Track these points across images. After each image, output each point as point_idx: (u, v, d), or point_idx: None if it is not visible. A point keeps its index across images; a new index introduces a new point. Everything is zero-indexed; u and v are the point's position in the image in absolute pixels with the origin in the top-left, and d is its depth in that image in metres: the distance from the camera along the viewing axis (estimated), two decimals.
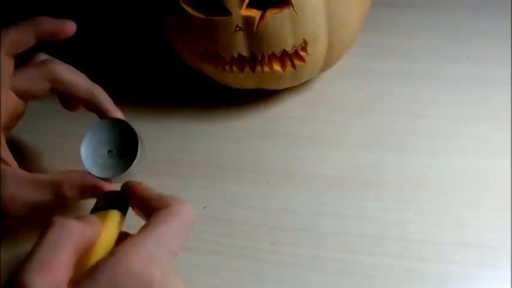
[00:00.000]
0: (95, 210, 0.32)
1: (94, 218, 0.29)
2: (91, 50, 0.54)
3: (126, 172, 0.36)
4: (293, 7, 0.40)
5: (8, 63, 0.37)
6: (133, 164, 0.36)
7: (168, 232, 0.28)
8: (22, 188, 0.34)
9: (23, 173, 0.35)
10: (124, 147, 0.37)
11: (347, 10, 0.42)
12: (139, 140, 0.36)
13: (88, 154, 0.37)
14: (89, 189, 0.35)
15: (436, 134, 0.47)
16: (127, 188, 0.33)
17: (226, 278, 0.37)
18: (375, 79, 0.51)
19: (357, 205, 0.41)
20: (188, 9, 0.41)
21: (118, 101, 0.48)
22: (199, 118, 0.48)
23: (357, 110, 0.49)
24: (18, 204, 0.34)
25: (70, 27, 0.39)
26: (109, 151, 0.37)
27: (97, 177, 0.36)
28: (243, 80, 0.45)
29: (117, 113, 0.39)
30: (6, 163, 0.35)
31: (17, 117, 0.38)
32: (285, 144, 0.46)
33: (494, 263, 0.38)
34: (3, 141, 0.36)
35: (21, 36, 0.37)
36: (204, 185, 0.43)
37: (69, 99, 0.40)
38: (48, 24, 0.38)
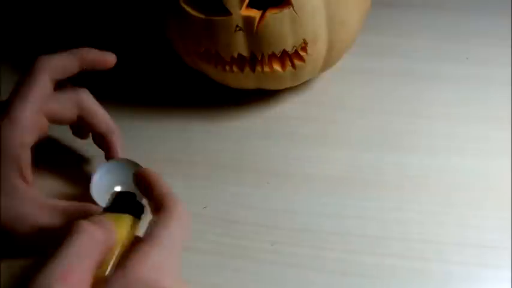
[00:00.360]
0: (109, 209, 0.32)
1: (111, 224, 0.30)
2: None
3: None
4: (293, 7, 0.40)
5: (49, 86, 0.38)
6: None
7: (171, 237, 0.29)
8: (37, 210, 0.35)
9: (40, 196, 0.36)
10: (132, 183, 0.39)
11: (347, 10, 0.42)
12: None
13: (99, 190, 0.39)
14: None
15: (436, 134, 0.47)
16: (140, 174, 0.34)
17: (227, 278, 0.37)
18: (375, 79, 0.51)
19: (358, 205, 0.41)
20: (188, 9, 0.41)
21: (119, 101, 0.48)
22: (200, 118, 0.48)
23: (357, 110, 0.49)
24: (27, 225, 0.35)
25: (111, 60, 0.41)
26: (118, 187, 0.39)
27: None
28: (243, 80, 0.45)
29: (116, 152, 0.41)
30: (27, 182, 0.36)
31: (40, 139, 0.39)
32: (285, 144, 0.46)
33: (495, 263, 0.38)
34: (29, 160, 0.37)
35: (67, 64, 0.39)
36: (204, 185, 0.43)
37: (86, 130, 0.42)
38: (93, 55, 0.40)
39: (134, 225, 0.32)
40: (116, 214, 0.32)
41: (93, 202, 0.38)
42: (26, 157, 0.37)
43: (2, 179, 0.35)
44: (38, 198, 0.36)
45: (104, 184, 0.39)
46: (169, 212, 0.30)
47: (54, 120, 0.39)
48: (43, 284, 0.24)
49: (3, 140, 0.36)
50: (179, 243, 0.29)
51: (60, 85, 0.40)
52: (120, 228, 0.31)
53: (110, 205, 0.33)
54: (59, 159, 0.44)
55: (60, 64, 0.39)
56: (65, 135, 0.44)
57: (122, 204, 0.33)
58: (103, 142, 0.41)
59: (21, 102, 0.37)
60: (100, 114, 0.40)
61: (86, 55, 0.40)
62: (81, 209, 0.36)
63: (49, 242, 0.35)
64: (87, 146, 0.44)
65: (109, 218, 0.30)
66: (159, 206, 0.31)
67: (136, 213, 0.33)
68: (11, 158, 0.36)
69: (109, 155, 0.41)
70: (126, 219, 0.32)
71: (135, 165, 0.40)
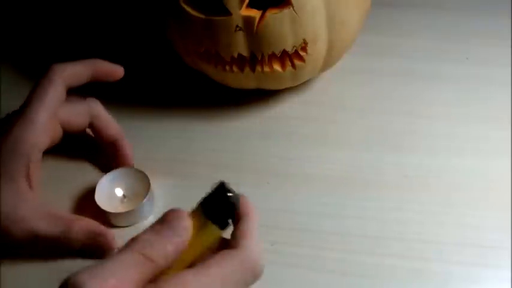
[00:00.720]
0: (204, 204, 0.29)
1: (188, 226, 0.27)
2: (93, 50, 0.54)
3: (135, 211, 0.39)
4: (293, 7, 0.40)
5: (63, 92, 0.39)
6: (142, 205, 0.39)
7: (221, 279, 0.26)
8: (36, 216, 0.35)
9: (40, 202, 0.36)
10: (136, 192, 0.40)
11: (347, 10, 0.42)
12: (151, 187, 0.40)
13: (102, 195, 0.39)
14: (95, 236, 0.36)
15: (436, 134, 0.47)
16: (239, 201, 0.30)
17: None
18: (375, 79, 0.51)
19: (357, 205, 0.41)
20: (188, 9, 0.41)
21: (119, 101, 0.48)
22: (200, 118, 0.48)
23: (357, 110, 0.49)
24: (24, 229, 0.35)
25: (120, 73, 0.42)
26: (120, 189, 0.40)
27: (109, 213, 0.39)
28: (243, 80, 0.45)
29: (132, 160, 0.42)
30: (31, 185, 0.37)
31: (51, 145, 0.40)
32: (285, 144, 0.46)
33: (494, 263, 0.38)
34: (39, 162, 0.38)
35: (80, 72, 0.40)
36: (204, 185, 0.43)
37: (98, 137, 0.43)
38: (105, 67, 0.42)
39: (218, 233, 0.29)
40: (204, 220, 0.28)
41: (97, 206, 0.39)
42: (36, 159, 0.37)
43: (9, 177, 0.36)
44: (39, 204, 0.36)
45: (108, 190, 0.40)
46: (235, 252, 0.27)
47: (68, 128, 0.40)
48: (78, 281, 0.23)
49: (16, 139, 0.36)
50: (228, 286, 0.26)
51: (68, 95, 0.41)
52: (202, 236, 0.28)
53: (206, 201, 0.29)
54: (67, 165, 0.44)
55: (73, 72, 0.40)
56: (72, 141, 0.44)
57: (217, 204, 0.29)
58: (114, 150, 0.42)
59: (37, 104, 0.38)
60: (111, 122, 0.42)
61: (98, 66, 0.41)
62: (87, 227, 0.36)
63: (44, 251, 0.35)
64: (94, 153, 0.44)
65: (195, 221, 0.28)
66: (234, 242, 0.28)
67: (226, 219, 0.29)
68: (20, 157, 0.36)
69: (122, 160, 0.42)
70: (211, 230, 0.28)
71: (141, 173, 0.40)
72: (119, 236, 0.39)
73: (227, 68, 0.44)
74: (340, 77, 0.51)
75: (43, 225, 0.35)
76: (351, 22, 0.43)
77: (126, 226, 0.40)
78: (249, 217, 0.29)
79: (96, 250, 0.36)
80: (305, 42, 0.42)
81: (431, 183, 0.43)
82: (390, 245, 0.39)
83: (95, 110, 0.41)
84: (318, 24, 0.41)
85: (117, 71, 0.42)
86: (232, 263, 0.27)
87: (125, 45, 0.55)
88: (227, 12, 0.40)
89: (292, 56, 0.43)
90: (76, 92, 0.42)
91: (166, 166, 0.44)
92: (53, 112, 0.38)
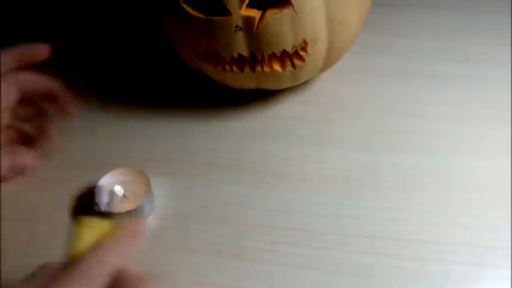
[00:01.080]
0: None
1: None
2: (92, 50, 0.54)
3: (135, 211, 0.39)
4: (293, 7, 0.40)
5: None
6: (142, 205, 0.39)
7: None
8: None
9: None
10: (136, 192, 0.40)
11: (347, 10, 0.43)
12: (151, 187, 0.40)
13: (101, 194, 0.39)
14: (17, 169, 0.38)
15: (433, 134, 0.47)
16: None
17: (227, 278, 0.37)
18: (375, 79, 0.52)
19: (354, 205, 0.41)
20: (188, 9, 0.41)
21: (119, 101, 0.48)
22: (199, 118, 0.48)
23: (356, 110, 0.49)
24: None
25: (45, 51, 0.41)
26: (119, 187, 0.40)
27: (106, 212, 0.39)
28: (243, 80, 0.45)
29: (70, 107, 0.41)
30: None
31: None
32: (284, 144, 0.46)
33: (492, 262, 0.38)
34: None
35: (2, 63, 0.40)
36: (203, 184, 0.43)
37: (33, 99, 0.42)
38: (27, 50, 0.41)
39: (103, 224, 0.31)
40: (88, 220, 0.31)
41: (97, 206, 0.39)
42: None
43: None
44: None
45: (108, 190, 0.40)
46: (79, 263, 0.28)
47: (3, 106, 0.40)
48: None
49: None
50: None
51: None
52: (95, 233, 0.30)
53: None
54: (67, 165, 0.44)
55: None
56: (74, 145, 0.44)
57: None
58: (51, 98, 0.41)
59: None
60: (36, 79, 0.41)
61: (20, 51, 0.41)
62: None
63: None
64: (94, 153, 0.45)
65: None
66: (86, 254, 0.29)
67: None
68: None
69: (60, 107, 0.41)
70: (97, 224, 0.31)
71: (141, 173, 0.41)
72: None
73: (227, 68, 0.44)
74: (339, 77, 0.51)
75: None
76: (351, 22, 0.44)
77: None
78: (112, 237, 0.30)
79: None
80: (305, 42, 0.42)
81: (428, 182, 0.43)
82: (387, 244, 0.39)
83: (18, 78, 0.40)
84: (318, 25, 0.41)
85: (39, 50, 0.41)
86: (73, 275, 0.28)
87: (124, 45, 0.55)
88: (227, 12, 0.40)
89: (292, 56, 0.43)
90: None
91: (166, 166, 0.44)
92: None
